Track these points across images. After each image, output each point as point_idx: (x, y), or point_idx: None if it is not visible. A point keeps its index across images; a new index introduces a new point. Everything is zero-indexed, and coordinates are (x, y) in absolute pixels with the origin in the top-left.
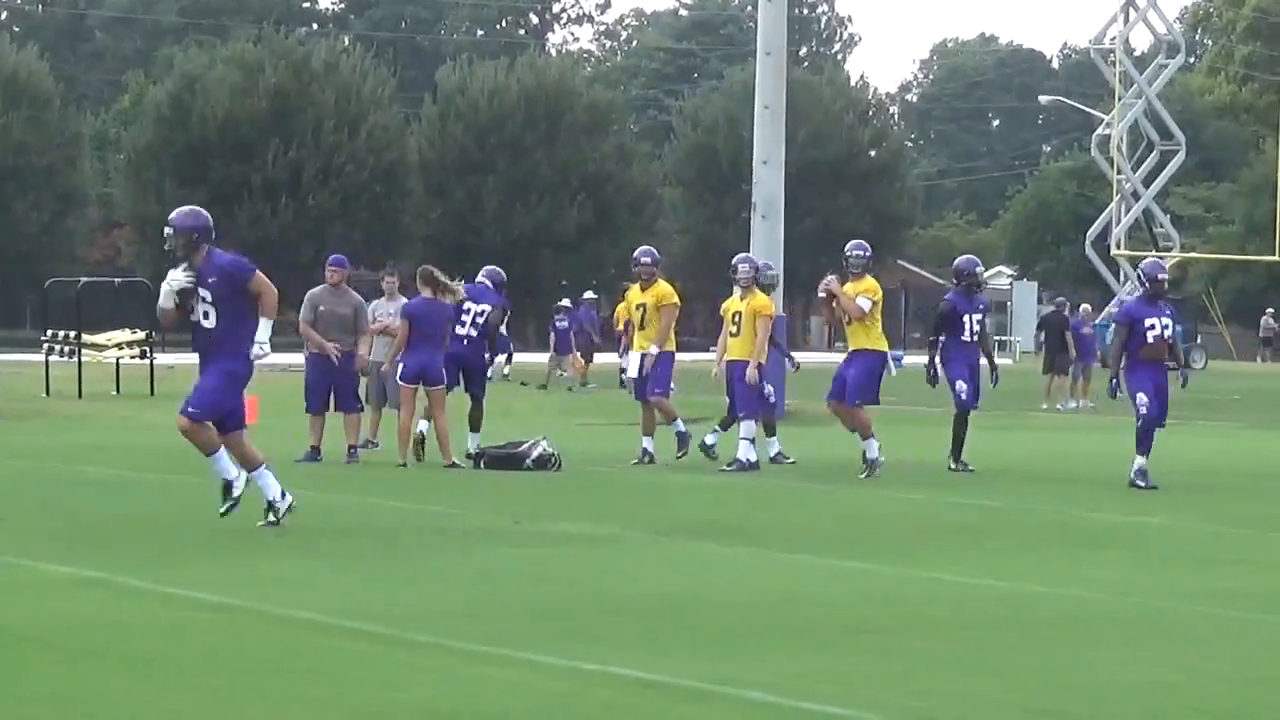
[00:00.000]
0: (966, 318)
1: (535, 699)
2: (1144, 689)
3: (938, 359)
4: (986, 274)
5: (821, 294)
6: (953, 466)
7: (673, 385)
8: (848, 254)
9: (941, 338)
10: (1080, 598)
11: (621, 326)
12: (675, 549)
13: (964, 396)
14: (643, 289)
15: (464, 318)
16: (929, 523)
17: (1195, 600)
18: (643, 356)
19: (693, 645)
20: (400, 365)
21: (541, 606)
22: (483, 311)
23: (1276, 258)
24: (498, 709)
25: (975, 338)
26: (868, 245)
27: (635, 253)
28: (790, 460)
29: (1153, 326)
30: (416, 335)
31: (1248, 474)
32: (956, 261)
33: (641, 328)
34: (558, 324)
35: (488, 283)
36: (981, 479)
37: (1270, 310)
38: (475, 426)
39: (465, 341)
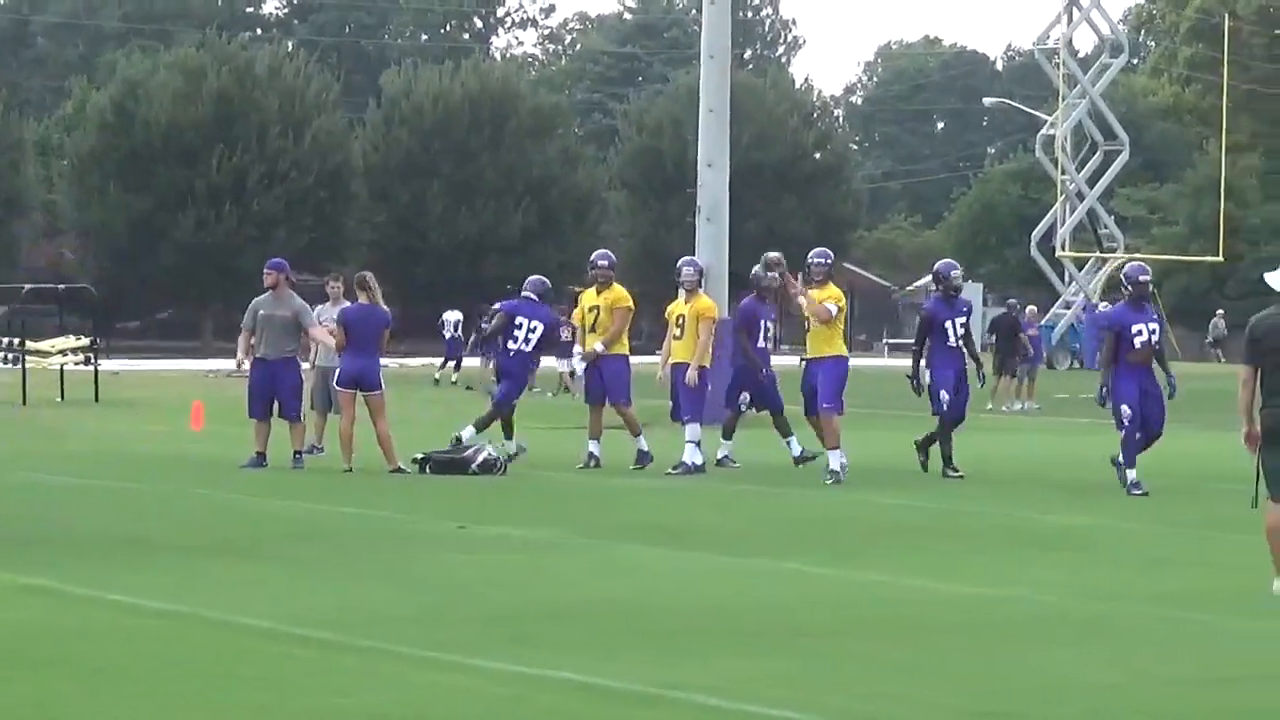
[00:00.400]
0: (948, 324)
1: (481, 704)
2: (1090, 691)
3: (923, 366)
4: (930, 277)
5: (793, 292)
6: (948, 473)
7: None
8: (809, 261)
9: (925, 345)
10: (1028, 600)
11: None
12: (621, 553)
13: (944, 406)
14: (598, 292)
15: (515, 333)
16: (876, 525)
17: (1143, 602)
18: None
19: (638, 650)
20: (337, 371)
21: (487, 612)
22: (535, 327)
23: (1221, 258)
24: (443, 714)
25: (960, 343)
26: (830, 253)
27: (592, 256)
28: (736, 464)
29: (1139, 332)
30: (351, 340)
31: (1194, 475)
32: (935, 266)
33: (593, 330)
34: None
35: (534, 296)
36: (929, 481)
37: (1220, 312)
38: (482, 427)
39: (514, 355)
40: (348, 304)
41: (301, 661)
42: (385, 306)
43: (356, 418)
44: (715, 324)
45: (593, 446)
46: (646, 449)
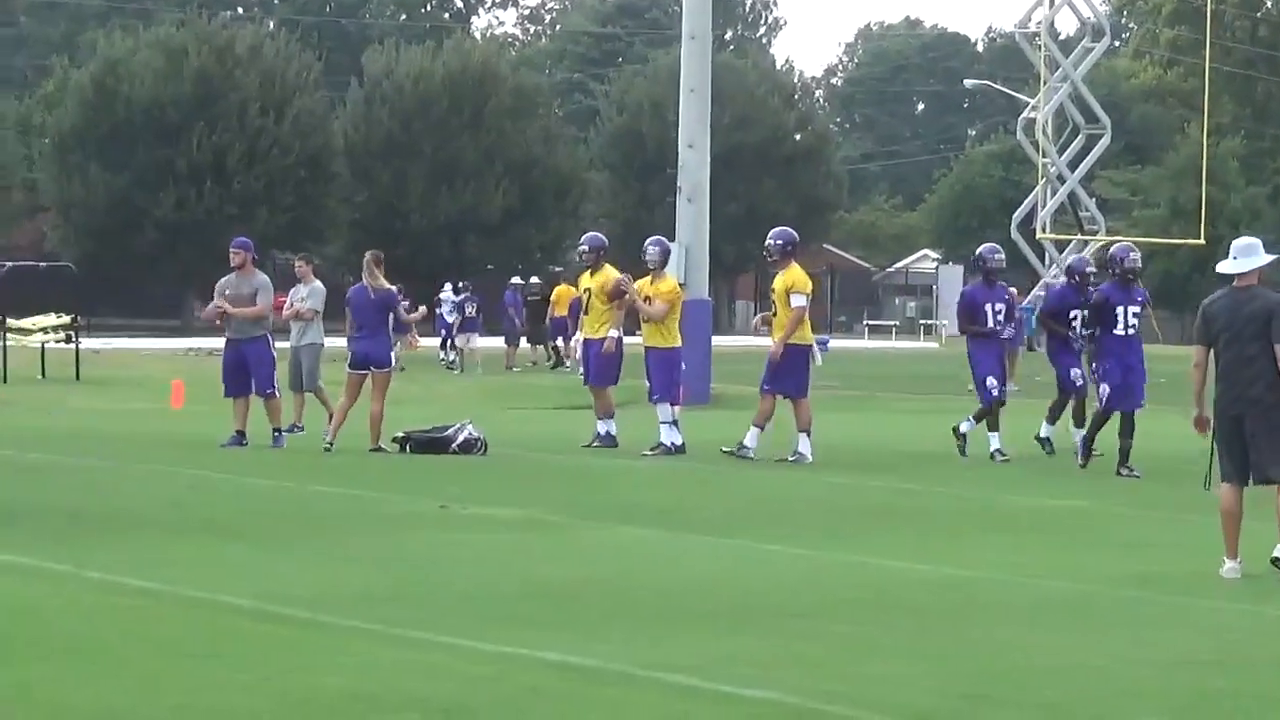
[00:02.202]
0: (1121, 310)
1: (459, 683)
2: (1067, 672)
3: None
4: (910, 259)
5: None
6: (1121, 472)
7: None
8: (767, 242)
9: (1095, 332)
10: (1004, 581)
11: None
12: (600, 533)
13: (1075, 384)
14: (591, 274)
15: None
16: (853, 507)
17: (1119, 584)
18: (586, 342)
19: (616, 629)
20: (350, 353)
21: (466, 590)
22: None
23: (1202, 241)
24: (422, 693)
25: (1130, 331)
26: (790, 233)
27: (582, 238)
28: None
29: (1124, 312)
30: (357, 321)
31: (1170, 457)
32: (1111, 249)
33: (586, 312)
34: (466, 307)
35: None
36: (907, 462)
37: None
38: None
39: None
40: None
41: (281, 640)
42: (387, 285)
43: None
44: (678, 304)
45: (601, 426)
46: (613, 433)
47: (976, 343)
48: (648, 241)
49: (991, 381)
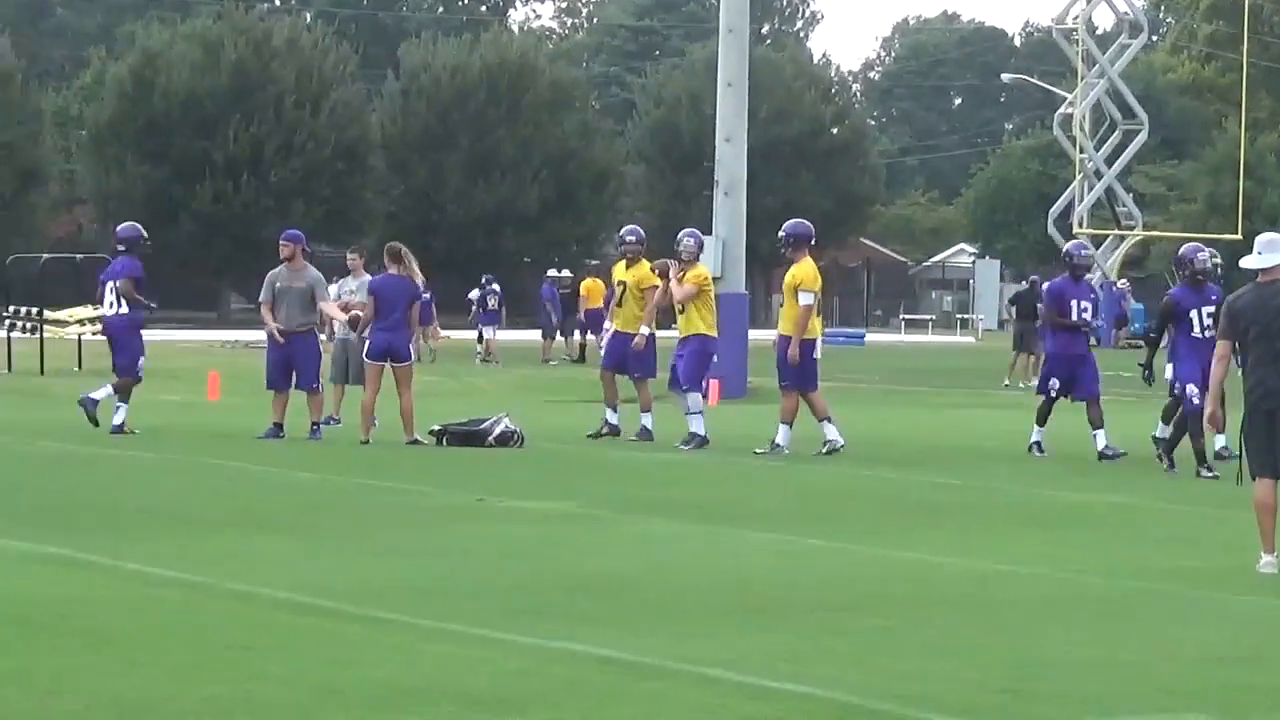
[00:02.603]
0: (1195, 313)
1: (496, 676)
2: (1104, 667)
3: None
4: (947, 253)
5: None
6: (1168, 466)
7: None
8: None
9: (1166, 335)
10: (1046, 577)
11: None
12: (637, 526)
13: (1194, 401)
14: (627, 266)
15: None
16: (891, 501)
17: (1156, 579)
18: (613, 336)
19: (653, 622)
20: (367, 342)
21: (503, 584)
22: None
23: (1239, 236)
24: (459, 686)
25: (1206, 333)
26: (801, 225)
27: (622, 230)
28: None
29: (1074, 306)
30: (380, 312)
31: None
32: (1180, 251)
33: (619, 304)
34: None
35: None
36: (944, 457)
37: None
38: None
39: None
40: (368, 276)
41: (316, 632)
42: (420, 278)
43: (380, 389)
44: (709, 291)
45: (610, 416)
46: (650, 427)
47: (1183, 349)
48: (683, 233)
49: (1191, 389)
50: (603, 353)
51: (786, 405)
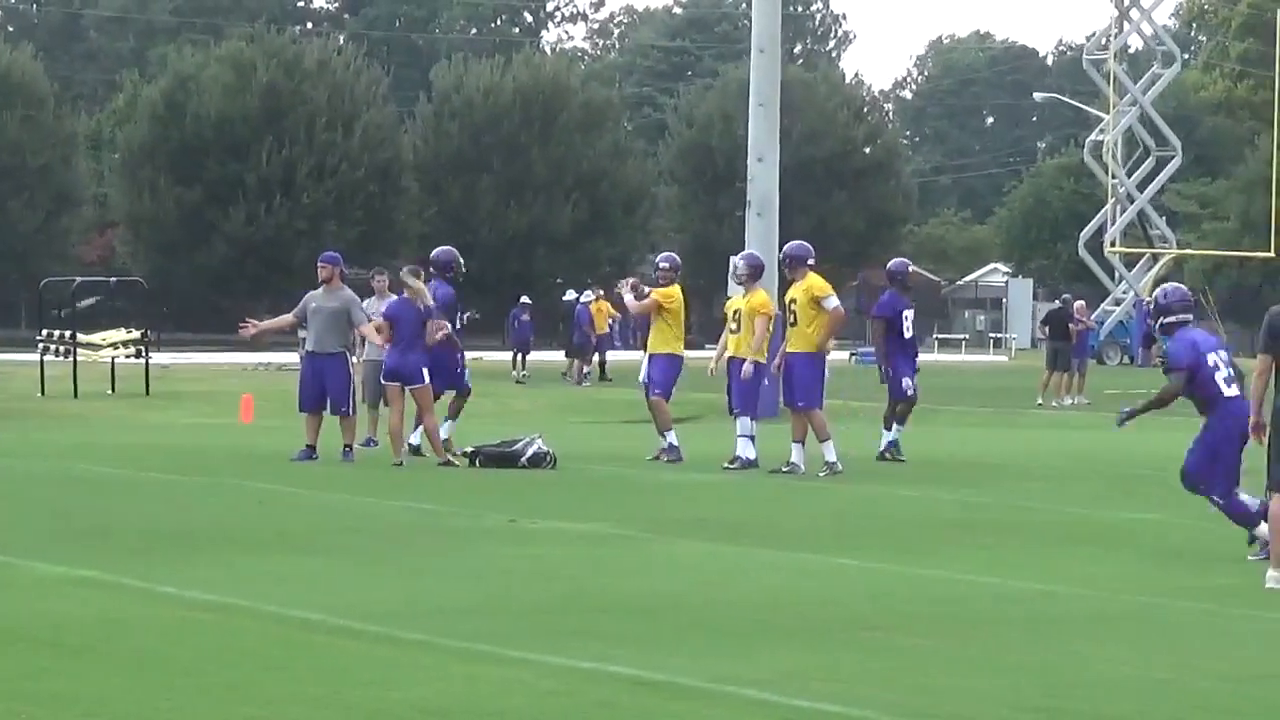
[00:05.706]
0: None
1: (529, 697)
2: (1139, 686)
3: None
4: (980, 272)
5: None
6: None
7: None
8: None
9: None
10: (1081, 595)
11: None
12: (670, 547)
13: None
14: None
15: None
16: (925, 520)
17: (1190, 597)
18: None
19: (687, 643)
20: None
21: (536, 605)
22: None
23: (1273, 254)
24: (492, 707)
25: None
26: (800, 246)
27: (657, 257)
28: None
29: (908, 317)
30: (395, 335)
31: (1249, 471)
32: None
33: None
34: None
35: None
36: (978, 475)
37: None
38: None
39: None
40: (394, 297)
41: (352, 654)
42: (426, 298)
43: (405, 409)
44: (771, 319)
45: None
46: (675, 443)
47: None
48: (738, 257)
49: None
50: (643, 379)
51: (798, 425)
